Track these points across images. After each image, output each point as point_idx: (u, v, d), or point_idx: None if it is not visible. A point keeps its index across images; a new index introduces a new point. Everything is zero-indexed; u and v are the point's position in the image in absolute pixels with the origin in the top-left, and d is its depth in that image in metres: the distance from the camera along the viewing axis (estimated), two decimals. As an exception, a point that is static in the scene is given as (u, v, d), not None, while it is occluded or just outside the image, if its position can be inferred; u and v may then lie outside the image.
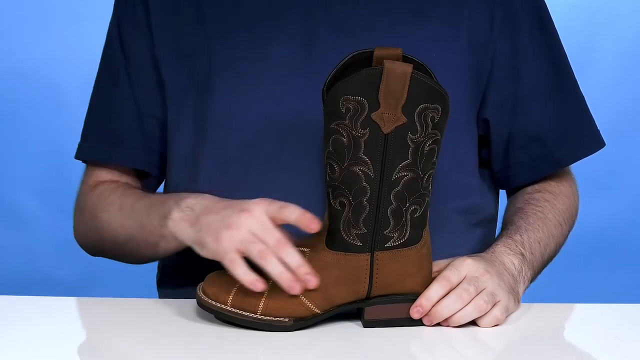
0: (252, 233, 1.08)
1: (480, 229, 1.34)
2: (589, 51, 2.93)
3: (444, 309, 1.11)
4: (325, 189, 1.10)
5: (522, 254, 1.23)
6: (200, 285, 1.12)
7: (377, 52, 1.07)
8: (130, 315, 1.16)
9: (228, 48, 1.29)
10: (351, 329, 1.12)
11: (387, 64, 1.04)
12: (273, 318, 1.09)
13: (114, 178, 1.36)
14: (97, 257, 1.40)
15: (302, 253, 1.10)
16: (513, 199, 1.38)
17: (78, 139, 1.38)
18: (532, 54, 1.33)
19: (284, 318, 1.09)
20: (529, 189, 1.37)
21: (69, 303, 1.26)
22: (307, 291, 1.08)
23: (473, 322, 1.13)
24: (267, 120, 1.26)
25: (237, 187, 1.26)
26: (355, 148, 1.06)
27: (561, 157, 1.35)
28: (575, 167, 1.40)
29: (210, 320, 1.12)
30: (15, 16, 2.97)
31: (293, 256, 1.07)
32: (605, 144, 1.37)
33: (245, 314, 1.09)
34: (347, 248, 1.09)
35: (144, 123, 1.34)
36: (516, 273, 1.20)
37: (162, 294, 1.38)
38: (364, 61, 1.08)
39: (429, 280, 1.13)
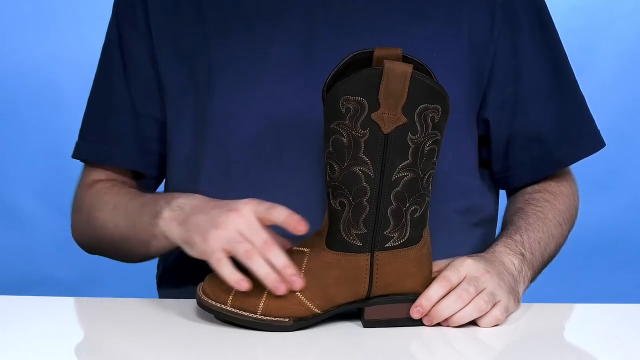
0: (239, 233, 1.08)
1: (480, 229, 1.34)
2: (589, 51, 2.93)
3: (444, 309, 1.11)
4: (325, 189, 1.10)
5: (522, 254, 1.23)
6: (200, 285, 1.12)
7: (377, 52, 1.07)
8: (130, 315, 1.16)
9: (228, 48, 1.29)
10: (351, 329, 1.12)
11: (387, 64, 1.04)
12: (273, 318, 1.09)
13: (111, 177, 1.36)
14: (97, 258, 1.41)
15: (302, 253, 1.10)
16: (513, 199, 1.38)
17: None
18: (532, 54, 1.33)
19: (284, 318, 1.09)
20: (529, 189, 1.37)
21: (69, 303, 1.26)
22: (307, 291, 1.08)
23: (473, 322, 1.13)
24: (267, 120, 1.26)
25: (237, 187, 1.27)
26: (355, 148, 1.06)
27: (561, 158, 1.35)
28: (575, 167, 1.40)
29: (210, 320, 1.12)
30: (15, 16, 2.97)
31: (279, 257, 1.07)
32: (605, 144, 1.37)
33: (245, 314, 1.09)
34: (347, 248, 1.09)
35: (141, 124, 1.34)
36: (516, 273, 1.20)
37: (162, 294, 1.39)
38: (364, 61, 1.08)
39: (429, 280, 1.13)
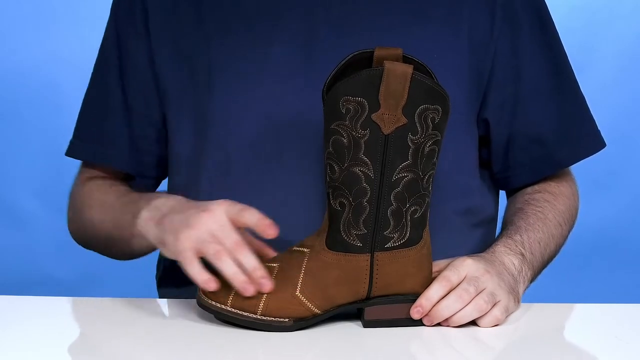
0: (210, 233, 1.08)
1: (480, 229, 1.34)
2: (589, 51, 2.92)
3: (444, 309, 1.11)
4: (325, 189, 1.10)
5: (522, 254, 1.23)
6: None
7: (378, 52, 1.07)
8: (130, 315, 1.16)
9: (228, 48, 1.29)
10: (351, 329, 1.12)
11: (388, 64, 1.04)
12: (273, 318, 1.09)
13: (105, 175, 1.38)
14: (97, 258, 1.42)
15: (302, 253, 1.10)
16: (513, 200, 1.38)
17: (77, 139, 1.40)
18: (532, 54, 1.33)
19: (284, 318, 1.09)
20: (529, 189, 1.37)
21: (69, 303, 1.26)
22: (307, 291, 1.09)
23: (473, 322, 1.13)
24: (267, 120, 1.26)
25: (237, 187, 1.27)
26: (356, 149, 1.06)
27: (561, 158, 1.35)
28: (575, 167, 1.40)
29: (210, 320, 1.12)
30: (15, 16, 2.97)
31: (249, 258, 1.08)
32: (605, 145, 1.37)
33: (245, 314, 1.09)
34: (347, 248, 1.09)
35: (136, 125, 1.34)
36: (516, 273, 1.20)
37: (162, 294, 1.39)
38: (364, 61, 1.08)
39: (429, 280, 1.13)
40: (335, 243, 1.09)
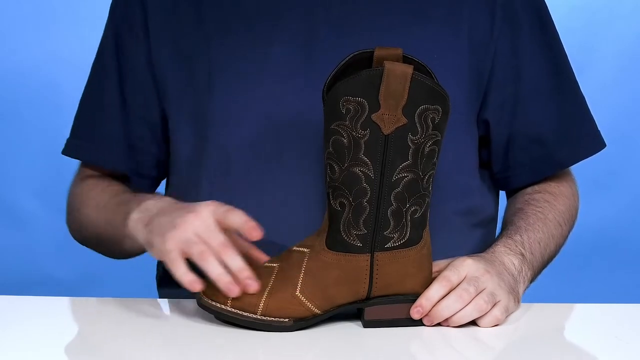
0: (196, 234, 1.09)
1: (480, 229, 1.34)
2: (589, 51, 2.92)
3: (444, 309, 1.11)
4: (325, 189, 1.10)
5: (522, 254, 1.23)
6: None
7: (378, 52, 1.07)
8: (130, 315, 1.16)
9: (228, 48, 1.29)
10: (351, 329, 1.12)
11: (388, 65, 1.04)
12: (273, 318, 1.09)
13: (102, 173, 1.39)
14: (97, 258, 1.42)
15: (302, 253, 1.10)
16: (513, 200, 1.38)
17: (78, 139, 1.40)
18: (532, 54, 1.33)
19: (284, 318, 1.09)
20: (529, 189, 1.37)
21: (69, 303, 1.26)
22: (307, 291, 1.09)
23: (473, 322, 1.13)
24: (267, 120, 1.26)
25: (237, 187, 1.27)
26: (356, 149, 1.06)
27: (561, 159, 1.35)
28: (575, 167, 1.40)
29: (210, 320, 1.12)
30: (15, 16, 2.96)
31: (234, 259, 1.08)
32: (605, 145, 1.37)
33: (245, 314, 1.09)
34: (347, 248, 1.09)
35: (133, 125, 1.34)
36: (516, 273, 1.20)
37: (162, 294, 1.39)
38: (365, 61, 1.08)
39: (429, 280, 1.13)
40: (335, 243, 1.09)
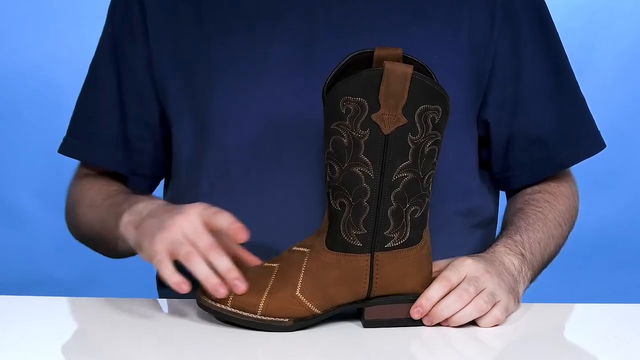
0: (183, 235, 1.09)
1: (480, 230, 1.34)
2: (589, 51, 2.92)
3: (444, 309, 1.11)
4: (325, 189, 1.10)
5: (522, 254, 1.23)
6: (201, 285, 1.12)
7: (378, 52, 1.07)
8: (130, 315, 1.16)
9: (228, 48, 1.29)
10: (351, 329, 1.12)
11: (388, 65, 1.04)
12: (273, 318, 1.09)
13: (100, 172, 1.39)
14: (97, 258, 1.43)
15: (302, 253, 1.10)
16: (513, 200, 1.38)
17: (78, 139, 1.40)
18: (532, 54, 1.33)
19: (284, 318, 1.09)
20: (529, 189, 1.37)
21: (69, 303, 1.26)
22: (307, 291, 1.09)
23: (473, 322, 1.13)
24: (267, 120, 1.26)
25: (237, 187, 1.27)
26: (356, 149, 1.06)
27: (561, 159, 1.35)
28: (575, 167, 1.40)
29: (210, 320, 1.12)
30: (15, 16, 2.96)
31: (222, 260, 1.08)
32: (605, 146, 1.37)
33: (245, 314, 1.09)
34: (347, 248, 1.09)
35: (131, 125, 1.34)
36: (516, 273, 1.20)
37: (162, 294, 1.39)
38: (365, 61, 1.08)
39: (429, 280, 1.13)
40: (335, 243, 1.09)
